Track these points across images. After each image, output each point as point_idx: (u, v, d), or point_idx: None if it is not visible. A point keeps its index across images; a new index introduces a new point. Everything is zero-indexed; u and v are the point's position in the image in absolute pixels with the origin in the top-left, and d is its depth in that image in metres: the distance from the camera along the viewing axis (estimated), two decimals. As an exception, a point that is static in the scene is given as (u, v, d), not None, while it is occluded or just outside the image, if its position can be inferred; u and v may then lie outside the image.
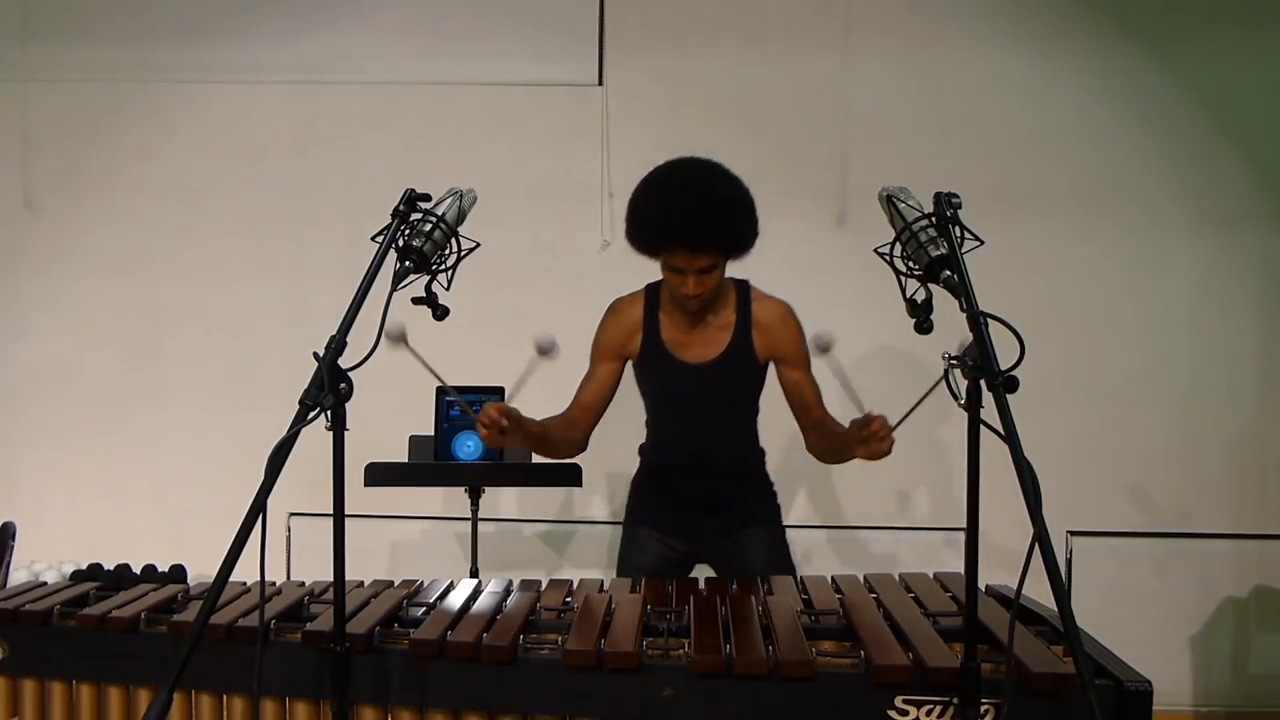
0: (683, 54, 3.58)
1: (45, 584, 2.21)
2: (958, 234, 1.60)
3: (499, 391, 2.88)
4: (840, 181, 3.55)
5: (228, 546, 1.46)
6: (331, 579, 1.65)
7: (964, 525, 1.54)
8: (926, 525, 3.51)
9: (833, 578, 2.14)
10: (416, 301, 1.76)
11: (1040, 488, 1.41)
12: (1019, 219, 3.45)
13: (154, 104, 3.70)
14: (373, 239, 1.73)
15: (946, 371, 1.51)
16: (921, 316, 1.63)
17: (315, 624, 1.82)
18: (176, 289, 3.70)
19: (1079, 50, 3.51)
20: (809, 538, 3.57)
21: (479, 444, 2.86)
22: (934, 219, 1.62)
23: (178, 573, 2.64)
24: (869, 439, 2.00)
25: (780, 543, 2.45)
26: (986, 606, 1.91)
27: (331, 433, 1.59)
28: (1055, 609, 1.43)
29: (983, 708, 1.54)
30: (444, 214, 1.79)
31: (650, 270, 2.34)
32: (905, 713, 1.59)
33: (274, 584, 2.07)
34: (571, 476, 2.84)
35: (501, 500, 3.60)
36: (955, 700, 1.56)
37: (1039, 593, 1.55)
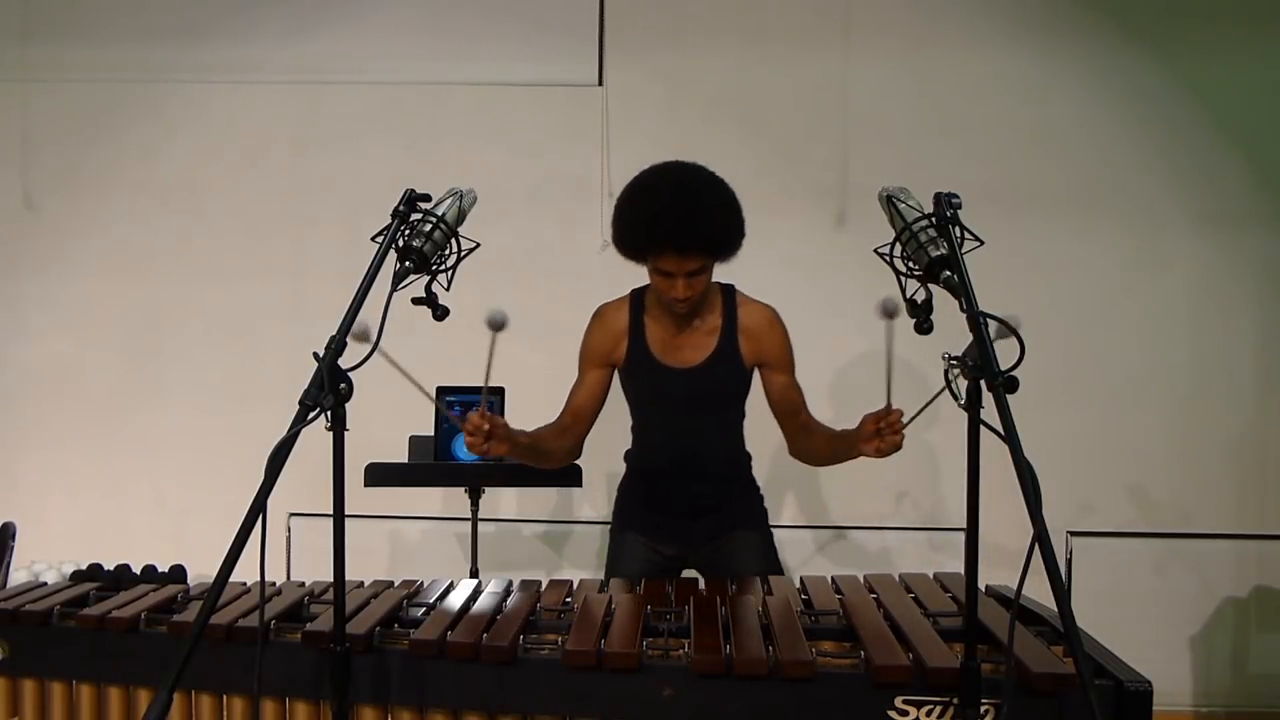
0: (683, 54, 3.58)
1: (45, 584, 2.21)
2: (958, 234, 1.61)
3: (499, 391, 2.89)
4: (840, 181, 3.55)
5: (228, 546, 1.46)
6: (331, 579, 1.65)
7: (960, 525, 1.55)
8: (924, 526, 3.51)
9: (833, 578, 2.14)
10: (416, 302, 1.76)
11: (1040, 488, 1.42)
12: (1019, 219, 3.45)
13: (154, 104, 3.70)
14: (373, 239, 1.73)
15: (947, 372, 1.51)
16: (921, 316, 1.63)
17: (315, 624, 1.82)
18: (176, 289, 3.70)
19: (1079, 50, 3.51)
20: (801, 539, 3.57)
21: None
22: (934, 219, 1.62)
23: (178, 573, 2.64)
24: (885, 431, 2.01)
25: (768, 546, 2.45)
26: (986, 606, 1.91)
27: (331, 433, 1.59)
28: (1055, 609, 1.43)
29: (983, 708, 1.54)
30: (444, 214, 1.79)
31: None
32: (905, 713, 1.59)
33: (274, 584, 2.07)
34: (572, 477, 2.84)
35: (501, 500, 3.60)
36: (955, 700, 1.56)
37: (1039, 593, 1.55)
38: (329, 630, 1.70)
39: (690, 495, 2.39)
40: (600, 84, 3.60)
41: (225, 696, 1.83)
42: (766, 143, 3.55)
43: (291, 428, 1.53)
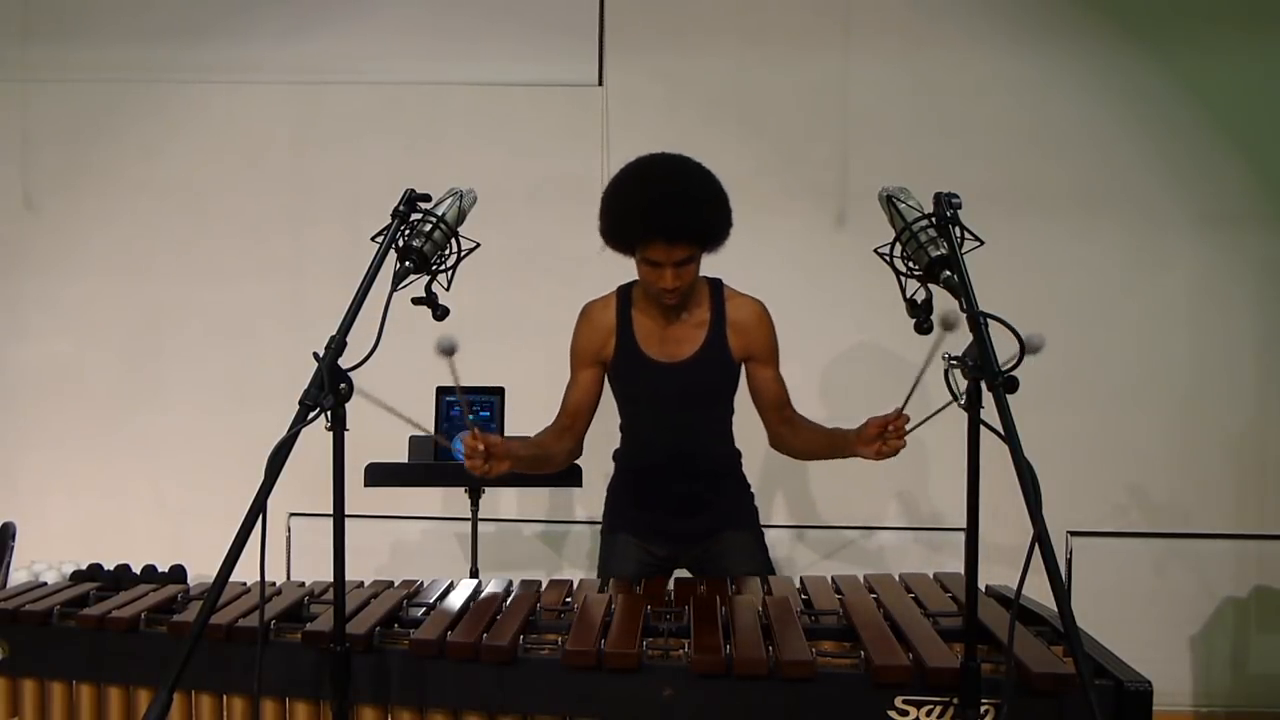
0: (683, 54, 3.58)
1: (45, 584, 2.21)
2: (958, 234, 1.61)
3: (499, 392, 2.89)
4: (840, 181, 3.55)
5: (228, 546, 1.46)
6: (331, 579, 1.65)
7: (960, 525, 1.55)
8: (924, 526, 3.51)
9: (833, 578, 2.14)
10: (416, 302, 1.76)
11: (1040, 488, 1.42)
12: (1019, 219, 3.45)
13: (154, 104, 3.70)
14: (373, 239, 1.73)
15: (947, 372, 1.51)
16: (921, 316, 1.63)
17: (315, 624, 1.82)
18: (176, 289, 3.70)
19: (1079, 50, 3.51)
20: (801, 539, 3.57)
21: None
22: (934, 219, 1.63)
23: (178, 573, 2.64)
24: (889, 435, 2.04)
25: (759, 545, 2.45)
26: (986, 606, 1.91)
27: (331, 433, 1.59)
28: (1055, 609, 1.43)
29: (983, 708, 1.54)
30: (444, 214, 1.79)
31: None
32: (905, 713, 1.59)
33: (274, 584, 2.07)
34: (572, 477, 2.84)
35: (501, 500, 3.60)
36: (955, 700, 1.56)
37: (1039, 593, 1.55)
38: (329, 630, 1.70)
39: (680, 494, 2.38)
40: (600, 84, 3.60)
41: (225, 696, 1.83)
42: (766, 143, 3.55)
43: (291, 428, 1.53)
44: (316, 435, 1.58)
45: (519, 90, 3.62)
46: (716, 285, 2.37)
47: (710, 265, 2.32)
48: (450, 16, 3.64)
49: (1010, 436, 1.44)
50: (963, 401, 1.50)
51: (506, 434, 2.88)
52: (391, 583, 2.14)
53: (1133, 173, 3.51)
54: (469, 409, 2.11)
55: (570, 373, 2.39)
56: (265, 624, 1.79)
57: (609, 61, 3.60)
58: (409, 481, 2.90)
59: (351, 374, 1.58)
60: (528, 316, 3.50)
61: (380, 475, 2.83)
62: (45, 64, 3.71)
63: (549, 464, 2.35)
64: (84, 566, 2.66)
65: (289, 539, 3.49)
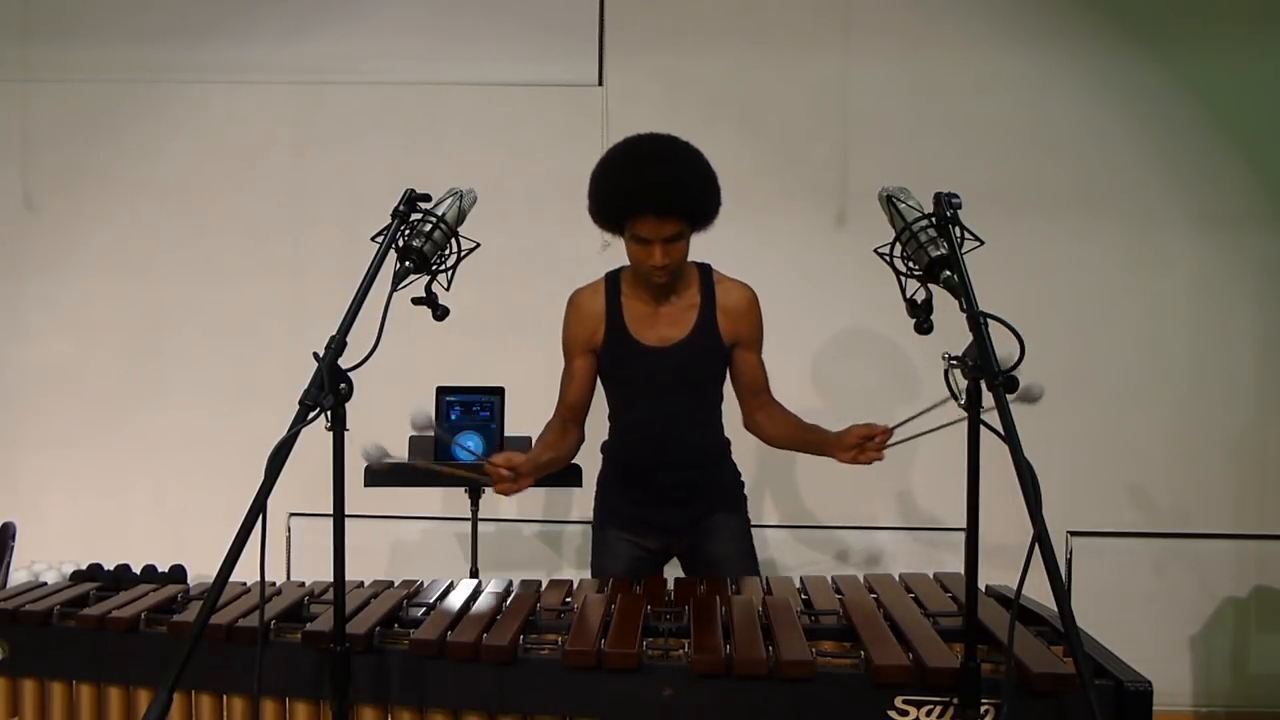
0: (683, 54, 3.58)
1: (45, 584, 2.21)
2: (958, 234, 1.61)
3: (499, 391, 2.89)
4: (840, 181, 3.55)
5: (228, 546, 1.46)
6: (331, 579, 1.65)
7: (960, 525, 1.55)
8: (924, 526, 3.50)
9: (833, 578, 2.14)
10: (416, 302, 1.76)
11: (1040, 488, 1.42)
12: (1019, 219, 3.45)
13: (154, 104, 3.70)
14: (373, 239, 1.73)
15: (946, 372, 1.51)
16: (921, 316, 1.63)
17: (315, 624, 1.82)
18: (176, 289, 3.70)
19: (1079, 50, 3.51)
20: (801, 539, 3.57)
21: (479, 444, 2.87)
22: (934, 219, 1.62)
23: (178, 573, 2.63)
24: (869, 448, 2.12)
25: (744, 530, 2.45)
26: (986, 606, 1.91)
27: (331, 433, 1.59)
28: (1055, 609, 1.43)
29: (983, 708, 1.54)
30: (444, 214, 1.79)
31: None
32: (905, 713, 1.59)
33: (274, 584, 2.07)
34: (572, 477, 2.84)
35: (501, 500, 3.58)
36: (955, 700, 1.56)
37: (1039, 593, 1.55)
38: (329, 630, 1.70)
39: (671, 482, 2.38)
40: (600, 84, 3.60)
41: (225, 696, 1.83)
42: (766, 143, 3.55)
43: (291, 428, 1.53)
44: (316, 435, 1.58)
45: (519, 90, 3.62)
46: (706, 269, 2.36)
47: (710, 264, 2.33)
48: (450, 16, 3.64)
49: (1010, 436, 1.43)
50: (962, 401, 1.50)
51: (506, 434, 2.89)
52: (391, 583, 2.14)
53: (1133, 173, 3.51)
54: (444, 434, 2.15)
55: (564, 364, 2.39)
56: (265, 624, 1.79)
57: (609, 61, 3.60)
58: (409, 481, 2.89)
59: (351, 374, 1.58)
60: (528, 316, 3.50)
61: (380, 475, 2.82)
62: (45, 64, 3.71)
63: (562, 463, 2.37)
64: (84, 566, 2.66)
65: (289, 539, 3.49)
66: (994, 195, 3.34)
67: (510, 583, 2.12)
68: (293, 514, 3.41)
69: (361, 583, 2.11)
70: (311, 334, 1.64)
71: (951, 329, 1.59)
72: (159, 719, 1.42)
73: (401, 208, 1.75)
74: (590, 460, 2.55)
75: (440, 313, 1.80)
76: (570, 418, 2.38)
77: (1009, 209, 3.43)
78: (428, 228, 1.76)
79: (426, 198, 1.79)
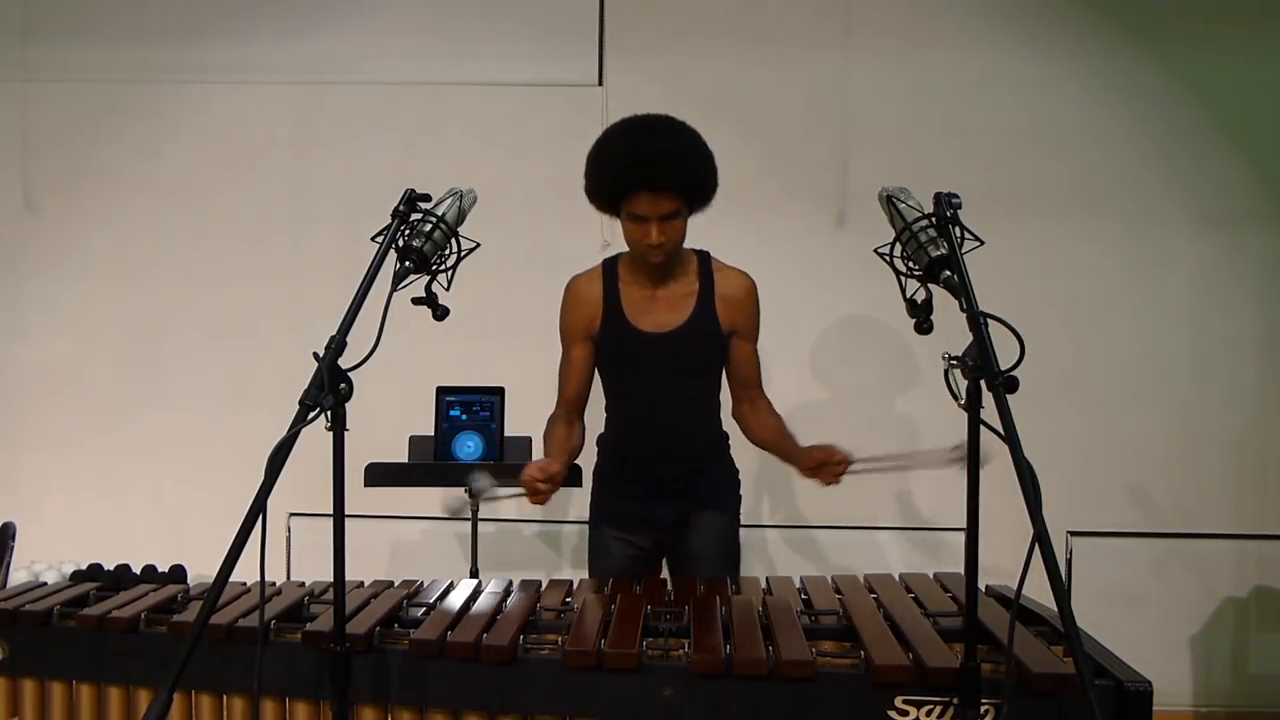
0: (683, 54, 3.58)
1: (45, 584, 2.21)
2: (958, 234, 1.61)
3: (499, 391, 2.89)
4: (840, 181, 3.55)
5: (228, 546, 1.46)
6: (331, 579, 1.65)
7: (960, 525, 1.55)
8: (924, 526, 3.50)
9: (833, 578, 2.15)
10: (416, 302, 1.76)
11: (1040, 488, 1.42)
12: (1019, 219, 3.45)
13: (154, 104, 3.70)
14: (373, 239, 1.73)
15: (946, 372, 1.51)
16: (921, 316, 1.63)
17: (315, 624, 1.83)
18: (176, 289, 3.70)
19: (1079, 50, 3.51)
20: (800, 539, 3.57)
21: (479, 444, 2.87)
22: (934, 219, 1.62)
23: (178, 573, 2.64)
24: (828, 469, 2.17)
25: (729, 533, 2.42)
26: (986, 606, 1.91)
27: (331, 433, 1.59)
28: (1055, 609, 1.43)
29: (983, 708, 1.54)
30: (444, 214, 1.79)
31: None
32: (905, 713, 1.59)
33: (274, 584, 2.07)
34: (572, 477, 2.83)
35: (501, 500, 3.59)
36: (955, 700, 1.56)
37: (1039, 593, 1.55)
38: (329, 630, 1.70)
39: (665, 476, 2.35)
40: (600, 84, 3.60)
41: (225, 696, 1.83)
42: (766, 143, 3.55)
43: (291, 428, 1.53)
44: (316, 435, 1.58)
45: (519, 90, 3.62)
46: (705, 256, 2.36)
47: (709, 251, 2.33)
48: (450, 16, 3.64)
49: (1010, 436, 1.43)
50: (962, 401, 1.50)
51: (506, 434, 2.89)
52: (391, 583, 2.14)
53: (1133, 173, 3.51)
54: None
55: (563, 353, 2.38)
56: (265, 624, 1.79)
57: (609, 61, 3.60)
58: (409, 481, 2.90)
59: (351, 374, 1.58)
60: (528, 316, 3.49)
61: (380, 475, 2.83)
62: (45, 64, 3.71)
63: (577, 454, 2.38)
64: (84, 566, 2.66)
65: (289, 539, 3.49)
66: (994, 195, 3.34)
67: (510, 583, 2.12)
68: (293, 514, 3.41)
69: (361, 583, 2.11)
70: (311, 334, 1.64)
71: (951, 329, 1.59)
72: (159, 719, 1.42)
73: (401, 208, 1.75)
74: (590, 461, 2.55)
75: (440, 313, 1.80)
76: (571, 409, 2.37)
77: (1009, 209, 3.43)
78: (428, 228, 1.76)
79: (426, 198, 1.79)
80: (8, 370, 3.75)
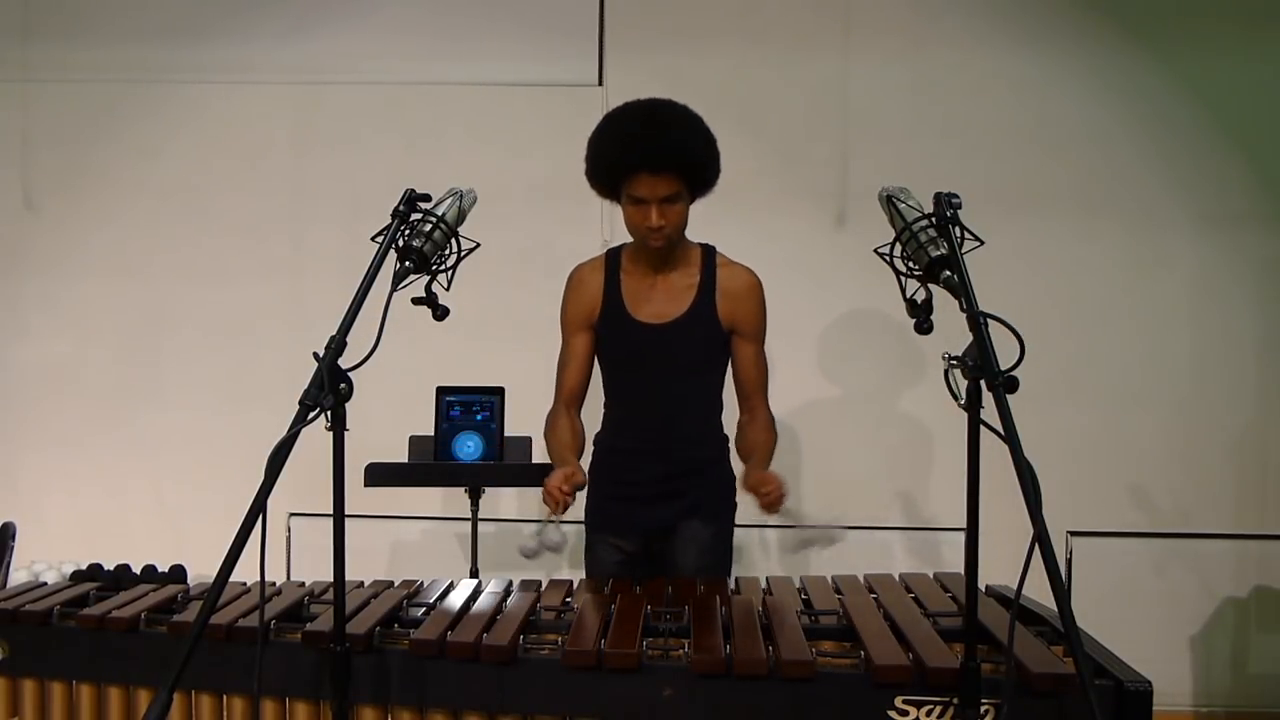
0: (683, 54, 3.58)
1: (45, 584, 2.21)
2: (958, 234, 1.61)
3: (499, 391, 2.89)
4: (840, 181, 3.55)
5: (228, 546, 1.46)
6: (331, 579, 1.65)
7: (960, 525, 1.55)
8: (924, 526, 3.50)
9: (833, 578, 2.15)
10: (416, 302, 1.76)
11: (1040, 488, 1.41)
12: (1019, 219, 3.45)
13: (154, 104, 3.70)
14: (373, 239, 1.73)
15: (946, 372, 1.51)
16: (921, 316, 1.63)
17: (315, 624, 1.82)
18: (176, 289, 3.70)
19: (1079, 50, 3.51)
20: (796, 538, 3.56)
21: (479, 444, 2.87)
22: (934, 219, 1.62)
23: (178, 573, 2.64)
24: (760, 496, 2.16)
25: (716, 546, 2.36)
26: (986, 606, 1.91)
27: (331, 433, 1.59)
28: (1055, 609, 1.43)
29: (983, 708, 1.54)
30: (444, 214, 1.79)
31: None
32: (905, 713, 1.59)
33: (274, 584, 2.07)
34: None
35: (501, 500, 3.60)
36: (955, 700, 1.56)
37: (1039, 593, 1.55)
38: (329, 630, 1.70)
39: (657, 475, 2.31)
40: (600, 84, 3.60)
41: (225, 696, 1.83)
42: (766, 143, 3.55)
43: (291, 428, 1.53)
44: (316, 435, 1.58)
45: (519, 90, 3.62)
46: (710, 250, 2.34)
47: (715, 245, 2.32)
48: (450, 16, 3.64)
49: (1010, 436, 1.43)
50: (962, 401, 1.50)
51: (506, 434, 2.89)
52: (391, 583, 2.14)
53: (1133, 173, 3.51)
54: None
55: (563, 343, 2.37)
56: (265, 624, 1.79)
57: (609, 61, 3.60)
58: (409, 481, 2.90)
59: (351, 374, 1.58)
60: (528, 316, 3.48)
61: (380, 475, 2.83)
62: (45, 64, 3.71)
63: (582, 449, 2.36)
64: (84, 566, 2.66)
65: (289, 539, 3.49)
66: (994, 195, 3.34)
67: (510, 583, 2.12)
68: (293, 514, 3.41)
69: (361, 583, 2.11)
70: (311, 334, 1.64)
71: (951, 329, 1.59)
72: (159, 719, 1.42)
73: (401, 208, 1.75)
74: (588, 460, 2.55)
75: (440, 313, 1.80)
76: (570, 403, 2.35)
77: (1009, 209, 3.43)
78: (428, 228, 1.76)
79: (426, 198, 1.79)
80: (8, 370, 3.75)
